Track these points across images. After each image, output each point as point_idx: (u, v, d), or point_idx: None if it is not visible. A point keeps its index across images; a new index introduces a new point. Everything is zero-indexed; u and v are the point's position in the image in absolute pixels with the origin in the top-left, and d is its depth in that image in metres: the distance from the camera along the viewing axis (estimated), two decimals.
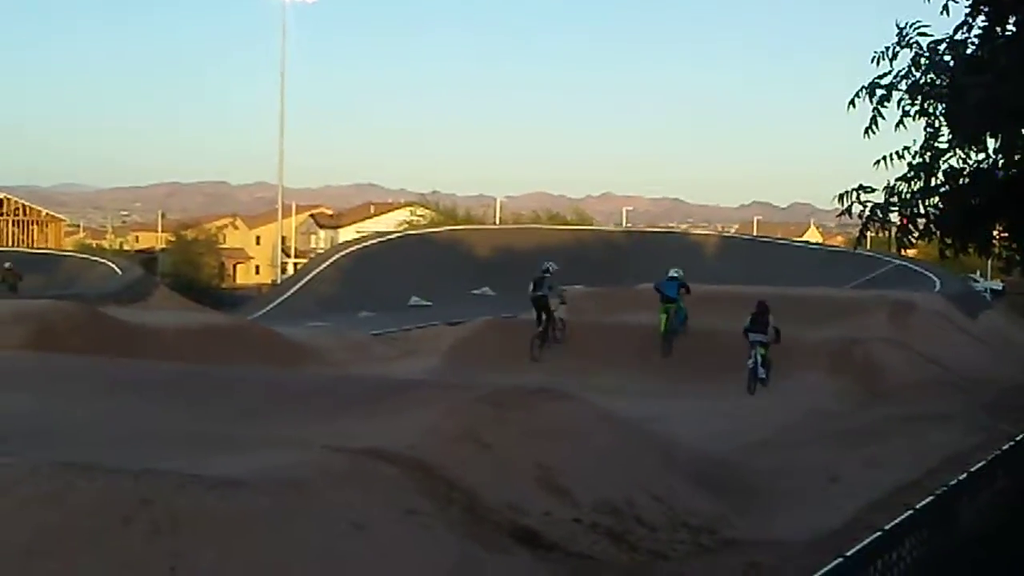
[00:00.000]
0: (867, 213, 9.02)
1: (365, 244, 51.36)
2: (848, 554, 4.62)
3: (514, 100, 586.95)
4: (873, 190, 9.04)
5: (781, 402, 14.82)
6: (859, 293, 30.05)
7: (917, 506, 5.82)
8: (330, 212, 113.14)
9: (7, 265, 34.04)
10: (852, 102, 9.19)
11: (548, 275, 20.21)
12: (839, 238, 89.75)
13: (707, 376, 16.22)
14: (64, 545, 5.31)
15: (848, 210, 9.07)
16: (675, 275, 20.93)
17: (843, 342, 18.05)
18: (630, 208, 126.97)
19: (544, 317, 19.22)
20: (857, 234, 9.33)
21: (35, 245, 66.77)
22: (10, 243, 66.91)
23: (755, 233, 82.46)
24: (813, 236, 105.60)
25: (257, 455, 6.96)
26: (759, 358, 16.35)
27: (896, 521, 5.36)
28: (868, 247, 24.49)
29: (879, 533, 5.02)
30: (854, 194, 9.00)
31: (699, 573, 7.21)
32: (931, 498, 6.11)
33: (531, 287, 19.98)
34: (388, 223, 76.58)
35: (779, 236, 67.83)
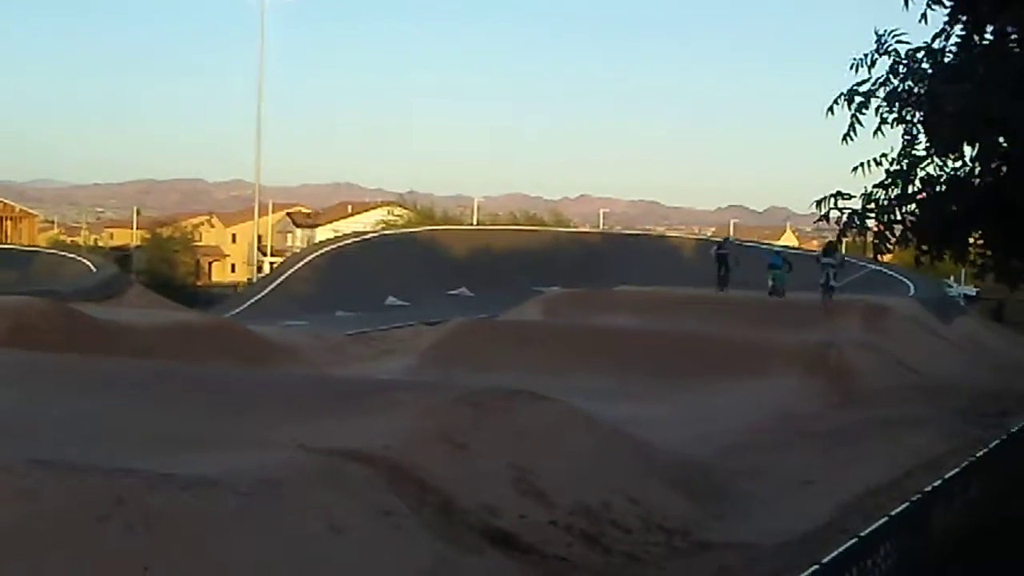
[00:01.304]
0: (844, 219, 9.07)
1: (342, 243, 51.29)
2: (824, 561, 4.63)
3: (492, 101, 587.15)
4: (851, 196, 9.12)
5: (756, 405, 14.86)
6: (834, 297, 30.20)
7: (893, 512, 5.85)
8: (307, 211, 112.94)
9: None
10: (831, 108, 9.25)
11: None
12: (815, 242, 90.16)
13: (684, 379, 16.24)
14: (35, 544, 5.27)
15: (826, 216, 9.12)
16: (779, 250, 35.53)
17: (817, 345, 18.14)
18: (607, 210, 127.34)
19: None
20: (834, 239, 9.39)
21: (8, 241, 66.36)
22: None
23: (732, 236, 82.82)
24: (789, 240, 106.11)
25: (231, 455, 6.92)
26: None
27: (872, 527, 5.38)
28: (843, 251, 24.76)
29: (855, 539, 5.04)
30: (832, 200, 9.07)
31: (672, 575, 7.22)
32: (907, 504, 6.14)
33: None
34: (365, 223, 76.49)
35: (755, 239, 68.11)
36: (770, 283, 29.24)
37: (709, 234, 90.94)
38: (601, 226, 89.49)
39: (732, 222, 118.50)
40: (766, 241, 69.89)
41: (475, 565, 6.41)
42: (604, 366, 17.27)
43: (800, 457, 11.37)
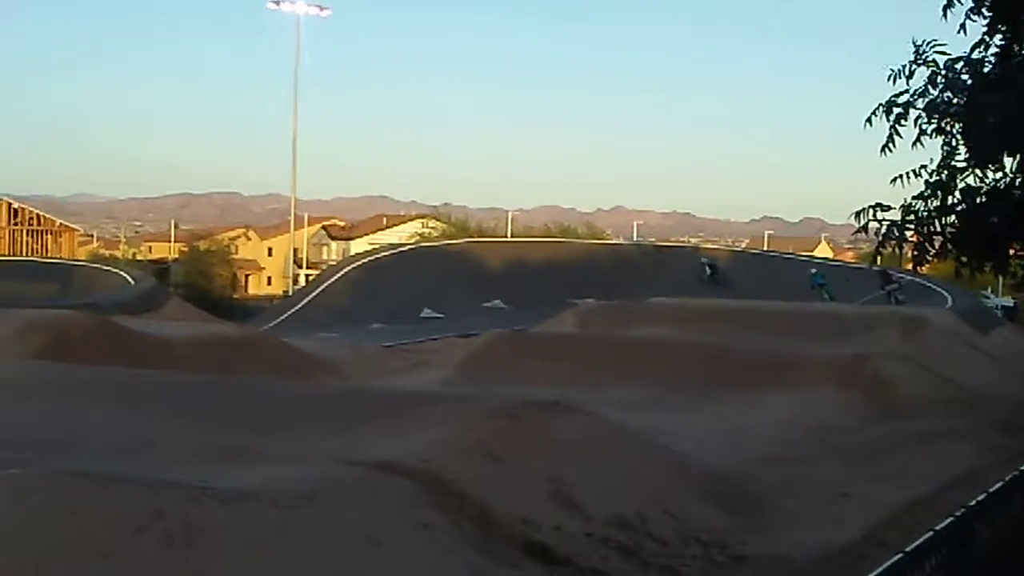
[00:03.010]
0: (883, 231, 9.01)
1: (377, 256, 51.40)
2: None
3: (526, 114, 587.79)
4: (889, 208, 9.05)
5: (790, 417, 14.76)
6: (869, 309, 29.98)
7: (938, 527, 5.79)
8: (342, 224, 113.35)
9: None
10: (869, 120, 9.19)
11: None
12: (850, 253, 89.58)
13: (718, 391, 16.16)
14: (77, 555, 5.30)
15: (864, 227, 9.06)
16: (814, 271, 39.00)
17: (853, 358, 17.98)
18: (641, 222, 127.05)
19: None
20: (872, 251, 9.32)
21: (49, 255, 67.07)
22: (25, 252, 67.30)
23: (766, 248, 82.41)
24: (824, 251, 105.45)
25: (269, 467, 6.95)
26: None
27: (918, 542, 5.33)
28: (880, 263, 24.60)
29: (900, 555, 4.99)
30: (871, 212, 9.00)
31: None
32: (951, 518, 6.08)
33: None
34: (400, 235, 76.72)
35: (790, 251, 67.77)
36: (826, 297, 31.92)
37: (743, 245, 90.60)
38: (635, 238, 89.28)
39: (766, 233, 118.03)
40: (804, 253, 69.49)
41: None
42: (638, 378, 17.21)
43: (836, 470, 11.28)
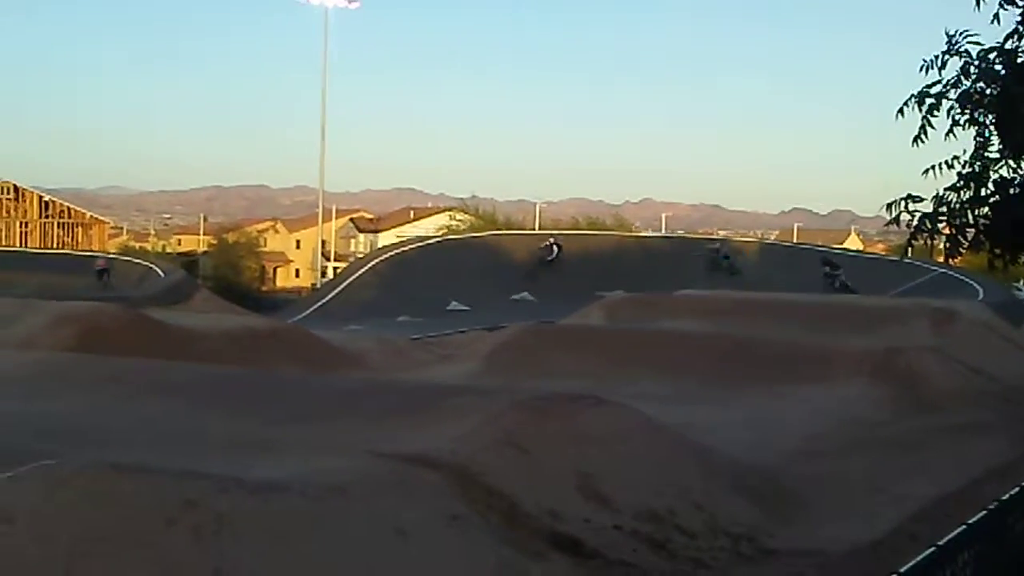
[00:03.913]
0: (915, 223, 8.93)
1: (404, 248, 51.43)
2: (902, 570, 4.55)
3: (554, 105, 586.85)
4: (921, 199, 8.97)
5: (820, 410, 14.68)
6: (900, 301, 29.75)
7: (971, 520, 5.74)
8: (370, 216, 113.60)
9: None
10: (900, 111, 9.11)
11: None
12: (880, 246, 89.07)
13: (746, 383, 16.09)
14: (109, 545, 5.34)
15: (896, 219, 8.98)
16: (716, 246, 43.56)
17: (885, 351, 17.85)
18: (669, 214, 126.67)
19: None
20: (904, 243, 9.23)
21: (80, 247, 67.54)
22: (56, 245, 67.84)
23: (795, 240, 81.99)
24: (854, 243, 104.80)
25: (299, 459, 6.98)
26: None
27: (951, 536, 5.28)
28: (911, 255, 24.49)
29: (933, 548, 4.95)
30: (902, 203, 8.92)
31: None
32: (984, 512, 6.02)
33: None
34: (428, 228, 76.68)
35: (819, 243, 67.39)
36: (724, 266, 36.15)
37: (772, 237, 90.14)
38: (664, 230, 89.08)
39: (795, 225, 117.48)
40: (836, 246, 69.08)
41: (540, 570, 6.41)
42: (665, 370, 17.16)
43: (867, 463, 11.21)
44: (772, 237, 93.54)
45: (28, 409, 9.44)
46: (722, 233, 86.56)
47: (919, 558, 4.78)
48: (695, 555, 7.34)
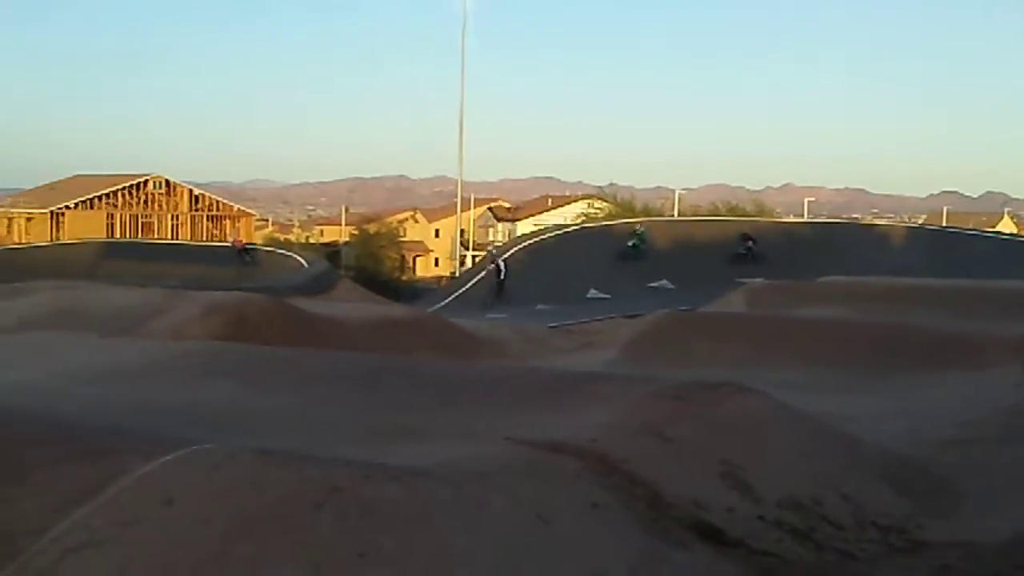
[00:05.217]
0: None
1: (542, 237, 51.66)
2: None
3: (693, 93, 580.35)
4: None
5: (972, 399, 14.18)
6: None
7: None
8: (508, 205, 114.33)
9: None
10: None
11: None
12: None
13: (892, 371, 15.65)
14: (259, 529, 5.48)
15: None
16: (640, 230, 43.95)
17: None
18: (812, 199, 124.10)
19: None
20: None
21: (228, 239, 69.66)
22: (205, 237, 70.13)
23: (944, 223, 79.48)
24: (1007, 227, 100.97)
25: (440, 446, 7.06)
26: None
27: None
28: None
29: None
30: None
31: (889, 574, 6.97)
32: None
33: None
34: (565, 216, 76.85)
35: (970, 227, 65.21)
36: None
37: (920, 221, 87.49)
38: (806, 215, 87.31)
39: (944, 209, 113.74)
40: (988, 229, 66.81)
41: (683, 559, 6.35)
42: (807, 358, 16.80)
43: (1021, 454, 10.80)
44: (919, 221, 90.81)
45: (179, 397, 9.75)
46: (867, 218, 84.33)
47: None
48: (842, 546, 7.18)
